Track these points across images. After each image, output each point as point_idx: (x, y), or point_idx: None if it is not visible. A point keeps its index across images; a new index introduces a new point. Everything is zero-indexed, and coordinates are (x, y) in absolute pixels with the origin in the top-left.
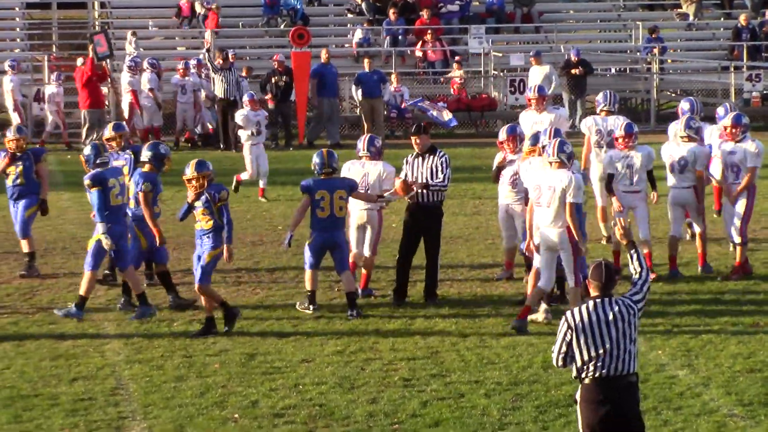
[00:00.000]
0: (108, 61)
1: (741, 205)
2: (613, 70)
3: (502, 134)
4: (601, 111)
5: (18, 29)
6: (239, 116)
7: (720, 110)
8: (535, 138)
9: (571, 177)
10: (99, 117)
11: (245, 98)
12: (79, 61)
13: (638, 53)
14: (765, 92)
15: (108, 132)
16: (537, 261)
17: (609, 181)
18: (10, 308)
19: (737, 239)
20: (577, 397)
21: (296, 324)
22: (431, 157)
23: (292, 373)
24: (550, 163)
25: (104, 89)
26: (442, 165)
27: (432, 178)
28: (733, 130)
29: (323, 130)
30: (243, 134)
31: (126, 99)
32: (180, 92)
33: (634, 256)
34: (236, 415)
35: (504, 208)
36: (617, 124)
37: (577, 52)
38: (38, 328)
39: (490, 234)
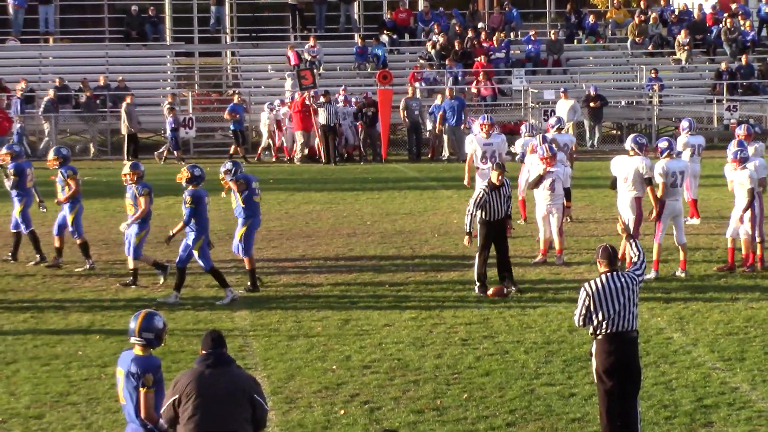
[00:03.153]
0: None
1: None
2: (623, 103)
3: (543, 152)
4: (556, 130)
5: (169, 72)
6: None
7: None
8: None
9: (645, 159)
10: (309, 137)
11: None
12: (295, 95)
13: (642, 89)
14: (740, 120)
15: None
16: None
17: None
18: (166, 285)
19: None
20: (592, 350)
21: (380, 297)
22: (503, 188)
23: (377, 334)
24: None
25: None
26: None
27: (506, 205)
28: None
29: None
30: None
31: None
32: (287, 120)
33: (633, 244)
34: (334, 367)
35: (544, 208)
36: (568, 139)
37: (595, 88)
38: (184, 300)
39: (529, 228)
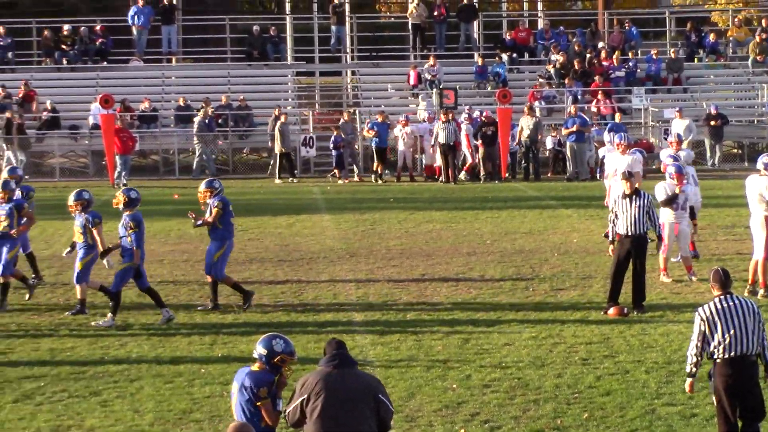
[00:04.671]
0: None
1: None
2: (744, 122)
3: (673, 170)
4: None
5: (290, 91)
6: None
7: None
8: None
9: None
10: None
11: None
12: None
13: (764, 108)
14: None
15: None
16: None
17: None
18: (283, 302)
19: None
20: (711, 372)
21: (500, 316)
22: (638, 198)
23: (497, 354)
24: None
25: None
26: (651, 207)
27: (644, 218)
28: None
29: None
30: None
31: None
32: (401, 139)
33: None
34: (454, 386)
35: (670, 226)
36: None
37: (716, 107)
38: (305, 317)
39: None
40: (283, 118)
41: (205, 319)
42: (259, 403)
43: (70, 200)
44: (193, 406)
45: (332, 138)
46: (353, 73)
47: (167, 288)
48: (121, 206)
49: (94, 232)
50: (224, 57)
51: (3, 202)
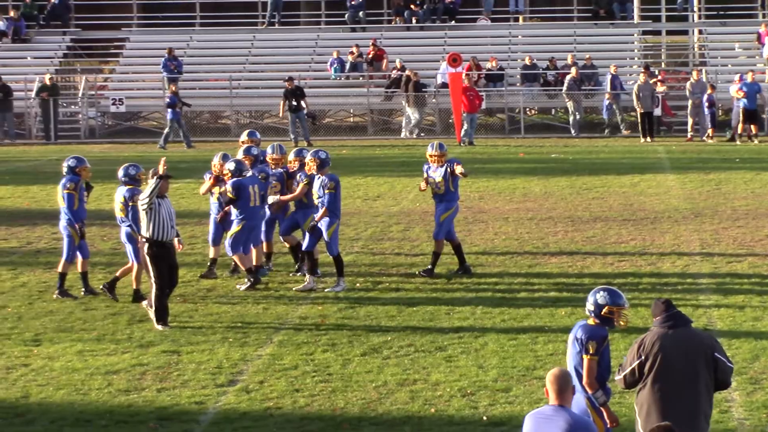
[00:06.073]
0: None
1: None
2: None
3: None
4: None
5: (635, 50)
6: None
7: None
8: None
9: None
10: None
11: None
12: None
13: None
14: None
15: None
16: None
17: None
18: (627, 261)
19: None
20: None
21: None
22: None
23: None
24: None
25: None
26: None
27: None
28: None
29: None
30: None
31: None
32: (736, 99)
33: None
34: None
35: None
36: None
37: None
38: (649, 278)
39: None
40: (641, 79)
41: (550, 278)
42: (586, 356)
43: (307, 157)
44: (536, 363)
45: (706, 97)
46: (700, 32)
47: (512, 244)
48: (314, 169)
49: (300, 186)
50: (570, 16)
51: (274, 166)
